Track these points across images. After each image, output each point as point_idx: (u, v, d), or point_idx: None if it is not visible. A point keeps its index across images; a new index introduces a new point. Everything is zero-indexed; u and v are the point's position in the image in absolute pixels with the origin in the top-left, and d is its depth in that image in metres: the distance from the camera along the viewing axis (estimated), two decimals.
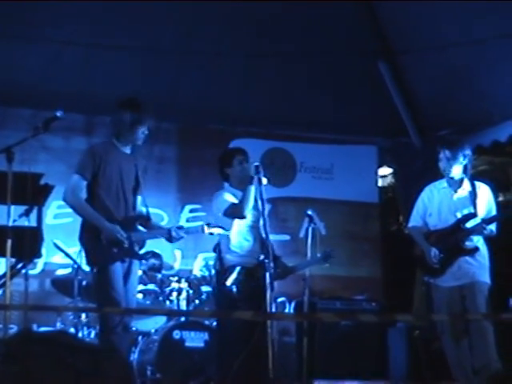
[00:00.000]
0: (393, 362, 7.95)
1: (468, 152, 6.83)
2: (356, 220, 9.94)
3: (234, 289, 6.43)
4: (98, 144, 6.25)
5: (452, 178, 6.79)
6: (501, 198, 11.37)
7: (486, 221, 6.61)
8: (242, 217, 6.50)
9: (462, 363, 6.53)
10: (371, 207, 10.07)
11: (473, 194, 6.75)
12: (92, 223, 5.90)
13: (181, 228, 6.30)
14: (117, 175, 6.06)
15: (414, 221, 7.04)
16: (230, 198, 6.64)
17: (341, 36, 8.41)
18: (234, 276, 6.46)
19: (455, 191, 6.80)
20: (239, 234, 6.62)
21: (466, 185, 6.79)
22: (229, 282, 6.44)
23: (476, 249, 6.65)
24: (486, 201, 6.79)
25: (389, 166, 10.34)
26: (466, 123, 8.61)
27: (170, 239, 6.19)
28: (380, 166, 10.16)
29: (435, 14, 7.80)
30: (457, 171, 6.77)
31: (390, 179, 11.26)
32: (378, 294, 9.38)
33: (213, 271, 6.97)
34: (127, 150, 6.15)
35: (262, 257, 6.28)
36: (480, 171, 10.93)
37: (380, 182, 10.39)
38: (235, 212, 6.50)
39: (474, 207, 6.70)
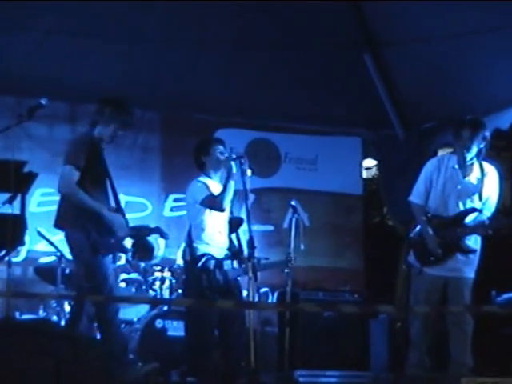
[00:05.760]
0: (374, 353, 7.96)
1: (487, 134, 6.46)
2: (339, 211, 9.95)
3: (204, 276, 6.44)
4: (86, 135, 6.20)
5: (465, 160, 6.43)
6: None
7: (493, 227, 6.36)
8: (221, 210, 6.51)
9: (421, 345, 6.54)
10: (355, 199, 10.07)
11: (481, 183, 6.45)
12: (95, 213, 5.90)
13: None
14: (104, 168, 6.07)
15: (418, 197, 6.65)
16: (208, 181, 6.65)
17: (326, 27, 8.38)
18: (203, 264, 6.47)
19: (464, 176, 6.48)
20: (214, 227, 6.63)
21: (476, 171, 6.46)
22: (198, 270, 6.45)
23: (474, 251, 6.47)
24: (492, 192, 6.49)
25: (373, 158, 10.35)
26: (450, 116, 8.61)
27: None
28: (364, 157, 10.18)
29: (420, 5, 7.79)
30: (473, 153, 6.38)
31: (374, 171, 11.29)
32: (361, 285, 9.40)
33: (181, 261, 7.01)
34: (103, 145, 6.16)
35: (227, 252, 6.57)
36: None
37: (364, 174, 10.40)
38: (213, 204, 6.50)
39: (480, 198, 6.43)
